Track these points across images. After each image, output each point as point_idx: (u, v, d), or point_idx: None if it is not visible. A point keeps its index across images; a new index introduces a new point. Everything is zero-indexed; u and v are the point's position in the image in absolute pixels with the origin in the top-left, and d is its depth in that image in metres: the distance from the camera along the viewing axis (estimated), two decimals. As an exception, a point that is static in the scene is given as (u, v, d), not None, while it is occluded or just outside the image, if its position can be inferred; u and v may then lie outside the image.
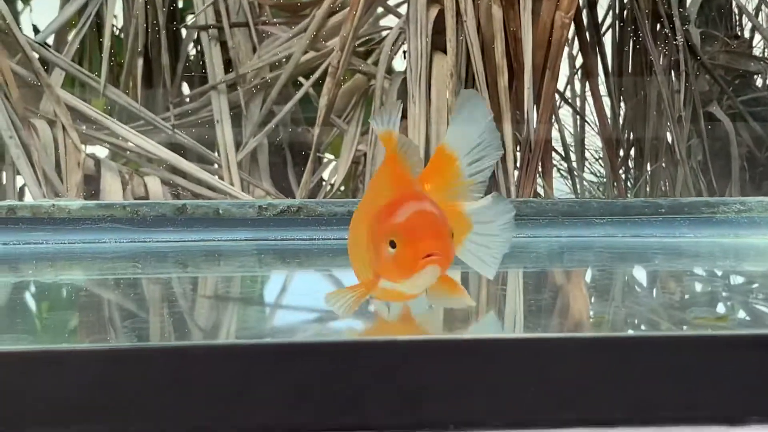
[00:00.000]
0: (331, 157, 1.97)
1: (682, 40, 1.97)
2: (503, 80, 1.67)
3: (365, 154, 1.78)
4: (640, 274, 1.04)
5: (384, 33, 1.86)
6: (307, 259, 1.05)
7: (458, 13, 1.68)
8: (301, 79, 1.91)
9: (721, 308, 0.93)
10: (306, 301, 0.89)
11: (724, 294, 0.95)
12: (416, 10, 1.71)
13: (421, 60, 1.70)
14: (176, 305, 0.87)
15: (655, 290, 0.97)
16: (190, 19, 1.93)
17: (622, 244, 1.09)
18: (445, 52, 1.69)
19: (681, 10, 2.09)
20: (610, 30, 2.08)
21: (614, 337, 0.74)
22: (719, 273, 1.02)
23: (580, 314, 0.89)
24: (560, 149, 2.03)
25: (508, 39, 1.68)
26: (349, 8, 1.66)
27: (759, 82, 2.35)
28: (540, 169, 1.69)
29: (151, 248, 1.03)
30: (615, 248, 1.08)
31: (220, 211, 1.06)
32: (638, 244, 1.09)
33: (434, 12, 1.71)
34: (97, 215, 1.02)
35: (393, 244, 0.66)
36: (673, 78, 2.10)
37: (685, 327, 0.87)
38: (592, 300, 0.93)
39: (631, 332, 0.79)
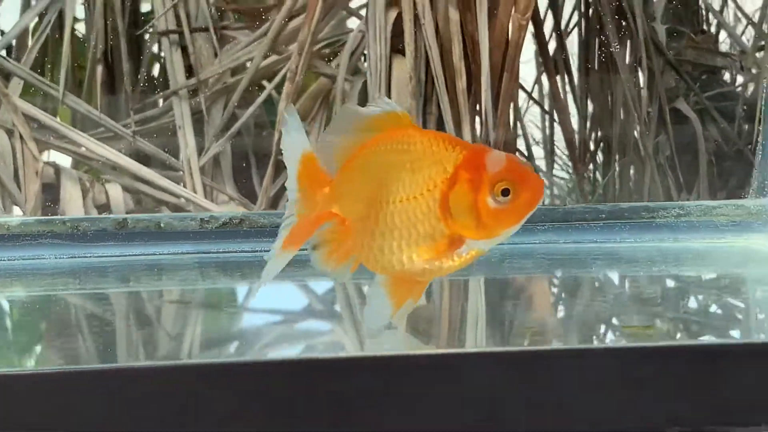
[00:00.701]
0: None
1: (644, 37, 1.98)
2: (461, 83, 1.67)
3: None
4: (576, 281, 1.05)
5: (349, 35, 1.86)
6: (250, 272, 1.06)
7: (416, 16, 1.69)
8: (264, 82, 1.91)
9: (653, 315, 0.94)
10: (248, 315, 0.90)
11: (657, 301, 0.96)
12: (374, 14, 1.71)
13: (380, 63, 1.71)
14: (110, 323, 0.87)
15: (589, 298, 0.98)
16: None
17: (562, 250, 1.10)
18: (404, 54, 1.70)
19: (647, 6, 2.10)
20: (576, 28, 2.10)
21: (527, 351, 0.75)
22: (655, 278, 1.03)
23: (505, 326, 0.90)
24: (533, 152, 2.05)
25: (465, 41, 1.69)
26: (306, 13, 1.67)
27: (727, 77, 2.36)
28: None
29: (92, 264, 1.04)
30: (555, 255, 1.09)
31: (162, 225, 1.06)
32: (579, 250, 1.10)
33: (393, 15, 1.72)
34: (36, 231, 1.02)
35: (505, 192, 0.64)
36: (640, 75, 2.11)
37: (612, 337, 0.88)
38: (522, 310, 0.94)
39: (547, 346, 0.80)
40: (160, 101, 1.86)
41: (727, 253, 1.09)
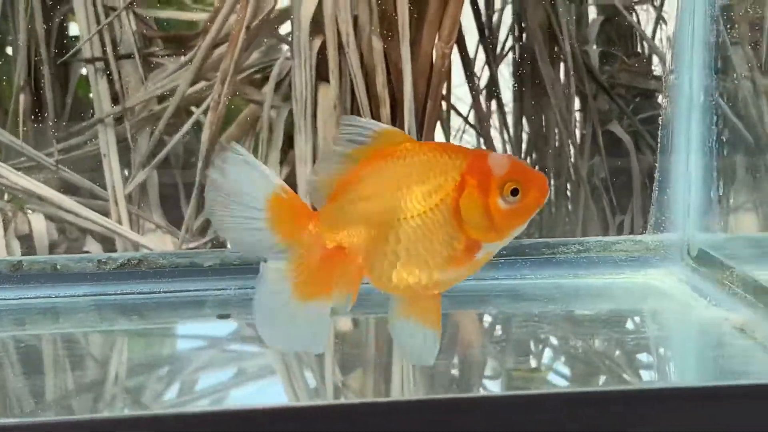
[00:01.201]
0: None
1: (571, 62, 2.00)
2: (386, 111, 1.68)
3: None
4: (472, 319, 1.06)
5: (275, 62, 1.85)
6: (147, 313, 1.06)
7: (341, 45, 1.69)
8: (193, 108, 1.90)
9: (544, 356, 0.95)
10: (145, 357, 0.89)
11: (551, 341, 0.97)
12: (299, 42, 1.71)
13: (306, 91, 1.71)
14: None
15: (482, 338, 0.99)
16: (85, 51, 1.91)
17: (463, 287, 1.11)
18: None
19: (579, 30, 2.12)
20: (510, 53, 2.11)
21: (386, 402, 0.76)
22: (552, 317, 1.04)
23: (392, 373, 0.90)
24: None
25: (390, 70, 1.69)
26: (228, 42, 1.67)
27: (661, 99, 2.38)
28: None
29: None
30: (455, 292, 1.09)
31: (58, 267, 1.05)
32: (480, 287, 1.11)
33: (317, 43, 1.72)
34: (-73, 275, 1.01)
35: (515, 192, 0.65)
36: (575, 98, 2.12)
37: (500, 382, 0.88)
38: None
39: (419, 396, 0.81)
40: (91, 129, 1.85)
41: (626, 289, 1.10)
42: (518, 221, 0.66)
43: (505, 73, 2.11)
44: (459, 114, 2.02)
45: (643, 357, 0.93)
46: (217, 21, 1.72)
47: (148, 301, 1.06)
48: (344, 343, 0.97)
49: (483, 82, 2.00)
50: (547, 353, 0.93)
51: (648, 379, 0.89)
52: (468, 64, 1.84)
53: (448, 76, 1.90)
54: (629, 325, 1.00)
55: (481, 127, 1.91)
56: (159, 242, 1.78)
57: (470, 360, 0.92)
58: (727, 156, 1.09)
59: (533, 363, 0.90)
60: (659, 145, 1.13)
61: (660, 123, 1.11)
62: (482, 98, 2.06)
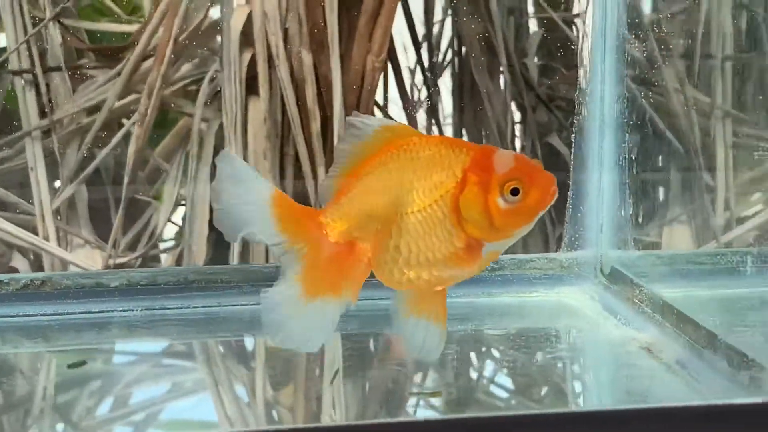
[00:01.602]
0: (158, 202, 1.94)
1: (508, 75, 1.99)
2: (316, 125, 1.67)
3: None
4: (378, 340, 1.04)
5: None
6: (52, 335, 1.04)
7: (270, 58, 1.67)
8: (125, 121, 1.88)
9: (448, 378, 0.93)
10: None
11: (455, 362, 0.96)
12: (229, 54, 1.70)
13: (235, 104, 1.69)
14: None
15: (386, 359, 0.98)
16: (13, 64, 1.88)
17: (372, 306, 1.09)
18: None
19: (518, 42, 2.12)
20: (449, 67, 2.10)
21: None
22: (463, 336, 1.03)
23: (300, 395, 0.89)
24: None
25: (320, 84, 1.68)
26: (155, 57, 1.65)
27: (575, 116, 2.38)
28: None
29: None
30: (361, 312, 1.08)
31: (-43, 288, 1.03)
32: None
33: (247, 56, 1.70)
34: None
35: (515, 192, 0.62)
36: (514, 110, 2.12)
37: (399, 405, 0.87)
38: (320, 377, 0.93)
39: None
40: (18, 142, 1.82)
41: (538, 307, 1.10)
42: (519, 221, 0.65)
43: (445, 85, 2.11)
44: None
45: (546, 378, 0.93)
46: (146, 33, 1.70)
47: (52, 323, 1.03)
48: (277, 360, 0.96)
49: (423, 95, 2.00)
50: (449, 375, 0.92)
51: (550, 400, 0.89)
52: (400, 77, 1.83)
53: (385, 89, 1.90)
54: (536, 344, 1.00)
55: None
56: (88, 258, 1.76)
57: (370, 382, 0.91)
58: (638, 173, 1.09)
59: (435, 385, 0.89)
60: (573, 161, 1.13)
61: (572, 140, 1.11)
62: (422, 110, 2.06)
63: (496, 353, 0.96)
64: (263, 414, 0.86)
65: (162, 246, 1.85)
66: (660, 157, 1.10)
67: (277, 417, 0.84)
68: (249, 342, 1.01)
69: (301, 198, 1.72)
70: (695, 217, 1.16)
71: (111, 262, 1.70)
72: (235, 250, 1.68)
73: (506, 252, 1.71)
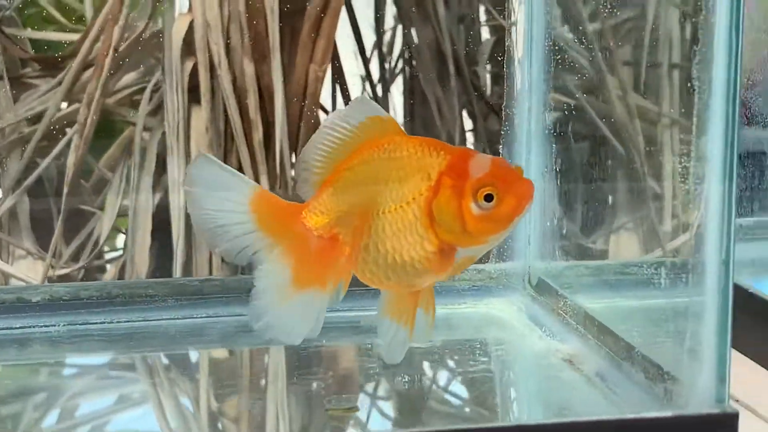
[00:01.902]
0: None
1: (458, 83, 1.99)
2: (258, 134, 1.66)
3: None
4: (301, 353, 1.03)
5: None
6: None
7: (212, 67, 1.66)
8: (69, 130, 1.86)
9: (367, 392, 0.93)
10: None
11: (376, 376, 0.95)
12: (171, 63, 1.68)
13: (177, 114, 1.68)
14: None
15: (303, 373, 0.96)
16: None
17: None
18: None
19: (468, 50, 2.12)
20: (400, 75, 2.10)
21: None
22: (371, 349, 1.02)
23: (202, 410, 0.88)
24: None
25: (263, 93, 1.67)
26: (94, 66, 1.63)
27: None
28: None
29: None
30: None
31: None
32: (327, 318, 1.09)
33: (189, 65, 1.69)
34: None
35: (488, 198, 0.61)
36: (465, 118, 2.12)
37: (315, 421, 0.86)
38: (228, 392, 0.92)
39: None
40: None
41: (466, 319, 1.10)
42: (493, 228, 0.64)
43: (396, 93, 2.11)
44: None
45: (466, 391, 0.92)
46: (86, 42, 1.68)
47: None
48: (220, 371, 0.96)
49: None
50: (369, 389, 0.91)
51: (468, 413, 0.88)
52: (344, 86, 1.82)
53: (333, 99, 1.90)
54: (460, 357, 0.99)
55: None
56: (30, 270, 1.74)
57: (289, 397, 0.90)
58: (566, 183, 1.09)
59: (353, 400, 0.88)
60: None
61: (499, 151, 1.11)
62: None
63: (417, 366, 0.96)
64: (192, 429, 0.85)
65: (107, 257, 1.83)
66: (596, 167, 1.10)
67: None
68: (172, 357, 1.00)
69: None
70: (642, 225, 1.16)
71: (53, 273, 1.68)
72: (179, 261, 1.67)
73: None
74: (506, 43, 1.15)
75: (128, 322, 1.05)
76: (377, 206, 0.65)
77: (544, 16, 1.09)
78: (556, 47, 1.06)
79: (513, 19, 1.15)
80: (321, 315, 0.68)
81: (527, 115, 1.10)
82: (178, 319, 1.05)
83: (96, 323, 1.04)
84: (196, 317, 1.05)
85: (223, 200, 0.66)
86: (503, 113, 1.16)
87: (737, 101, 0.76)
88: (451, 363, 0.97)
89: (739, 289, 1.05)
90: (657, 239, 0.96)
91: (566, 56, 1.07)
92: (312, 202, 0.68)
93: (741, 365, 1.02)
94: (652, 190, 1.03)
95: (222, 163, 0.67)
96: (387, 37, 2.03)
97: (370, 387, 0.92)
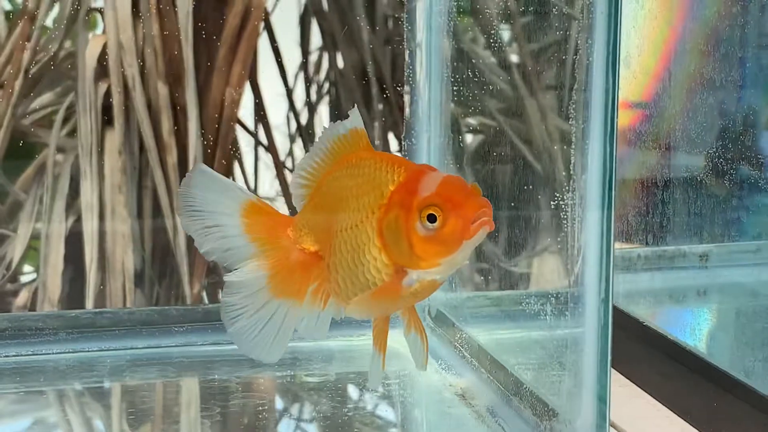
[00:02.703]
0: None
1: (382, 105, 1.99)
2: (173, 157, 1.64)
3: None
4: (189, 387, 1.02)
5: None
6: None
7: (126, 89, 1.64)
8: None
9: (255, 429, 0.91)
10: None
11: (264, 413, 0.94)
12: (84, 86, 1.66)
13: (91, 135, 1.65)
14: None
15: (230, 402, 0.94)
16: None
17: (192, 352, 1.07)
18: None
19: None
20: (326, 96, 2.09)
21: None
22: (271, 384, 1.01)
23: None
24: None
25: (178, 116, 1.65)
26: (3, 87, 1.60)
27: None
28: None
29: None
30: (180, 356, 1.06)
31: None
32: (212, 352, 1.07)
33: (104, 87, 1.67)
34: None
35: (432, 218, 0.58)
36: (391, 139, 2.12)
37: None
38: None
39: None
40: None
41: (364, 351, 1.08)
42: (441, 252, 0.60)
43: (321, 115, 2.10)
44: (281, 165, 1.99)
45: (356, 427, 0.91)
46: (-2, 63, 1.65)
47: None
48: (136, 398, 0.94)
49: (297, 124, 1.98)
50: (259, 428, 0.90)
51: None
52: (262, 108, 1.80)
53: (256, 121, 1.88)
54: (353, 390, 0.98)
55: (279, 172, 1.88)
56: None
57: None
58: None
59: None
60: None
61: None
62: (300, 140, 2.04)
63: (306, 401, 0.95)
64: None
65: (21, 280, 1.80)
66: (506, 191, 1.10)
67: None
68: (58, 394, 0.97)
69: (161, 233, 1.69)
70: (563, 248, 1.16)
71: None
72: (91, 284, 1.64)
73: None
74: (410, 66, 1.14)
75: (17, 356, 1.02)
76: (337, 224, 0.63)
77: (443, 40, 1.09)
78: (464, 64, 1.06)
79: (418, 41, 1.15)
80: (323, 322, 0.66)
81: (426, 137, 1.10)
82: (68, 353, 1.03)
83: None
84: (88, 350, 1.03)
85: (216, 203, 0.65)
86: (402, 135, 1.16)
87: (614, 124, 0.76)
88: (342, 397, 0.96)
89: (634, 321, 1.05)
90: (561, 269, 0.96)
91: (464, 78, 1.07)
92: (298, 216, 0.66)
93: (636, 397, 1.02)
94: (550, 217, 1.03)
95: (217, 174, 0.66)
96: (313, 57, 2.03)
97: (254, 424, 0.90)
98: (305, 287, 0.66)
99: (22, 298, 1.76)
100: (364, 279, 0.63)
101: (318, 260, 0.66)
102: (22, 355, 1.02)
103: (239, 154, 1.79)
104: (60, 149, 1.74)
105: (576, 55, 0.77)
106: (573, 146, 0.79)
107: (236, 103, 1.67)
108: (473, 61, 1.05)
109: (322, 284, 0.67)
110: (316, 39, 2.01)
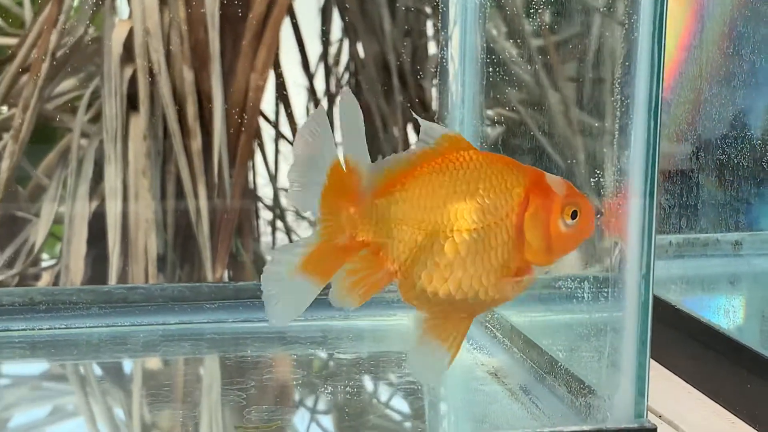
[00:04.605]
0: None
1: (403, 97, 2.00)
2: (197, 143, 1.64)
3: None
4: (221, 364, 1.02)
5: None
6: None
7: (152, 74, 1.65)
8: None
9: (289, 405, 0.91)
10: None
11: (299, 387, 0.94)
12: (110, 70, 1.66)
13: (116, 120, 1.66)
14: None
15: (228, 385, 0.95)
16: None
17: (223, 329, 1.07)
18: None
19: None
20: (347, 86, 2.09)
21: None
22: (308, 361, 1.01)
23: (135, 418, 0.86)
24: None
25: (202, 101, 1.66)
26: (30, 71, 1.61)
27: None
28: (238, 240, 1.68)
29: None
30: (212, 334, 1.06)
31: None
32: (243, 329, 1.08)
33: (129, 72, 1.67)
34: None
35: (574, 215, 0.62)
36: (410, 132, 2.13)
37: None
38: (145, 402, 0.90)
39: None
40: None
41: (394, 331, 1.09)
42: (572, 246, 0.64)
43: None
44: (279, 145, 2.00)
45: (387, 402, 0.92)
46: (24, 47, 1.66)
47: None
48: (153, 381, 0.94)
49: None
50: (291, 402, 0.90)
51: (388, 426, 0.87)
52: (286, 97, 1.81)
53: (277, 109, 1.89)
54: (386, 368, 0.99)
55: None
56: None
57: (207, 410, 0.88)
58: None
59: (273, 413, 0.87)
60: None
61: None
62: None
63: (342, 378, 0.95)
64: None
65: (43, 264, 1.81)
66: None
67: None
68: (94, 367, 0.98)
69: (184, 217, 1.69)
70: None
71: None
72: (114, 267, 1.65)
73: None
74: (441, 57, 1.15)
75: (51, 329, 1.03)
76: (454, 224, 0.62)
77: (479, 31, 1.09)
78: (490, 61, 1.07)
79: (449, 32, 1.15)
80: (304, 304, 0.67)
81: (459, 128, 1.10)
82: (102, 327, 1.03)
83: (17, 330, 1.02)
84: (120, 325, 1.03)
85: (317, 157, 0.64)
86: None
87: (659, 117, 0.77)
88: (375, 375, 0.97)
89: (665, 305, 1.06)
90: (593, 253, 0.96)
91: (500, 70, 1.07)
92: (364, 205, 0.64)
93: (666, 380, 1.03)
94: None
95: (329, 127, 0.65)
96: (333, 49, 2.04)
97: (291, 400, 0.91)
98: (334, 269, 0.66)
99: (44, 281, 1.77)
100: (493, 278, 0.63)
101: (360, 249, 0.65)
102: (55, 329, 1.02)
103: (261, 140, 1.80)
104: (84, 134, 1.75)
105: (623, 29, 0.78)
106: (616, 124, 0.79)
107: (261, 89, 1.67)
108: (506, 53, 1.06)
109: (383, 280, 0.66)
110: (336, 29, 2.02)
